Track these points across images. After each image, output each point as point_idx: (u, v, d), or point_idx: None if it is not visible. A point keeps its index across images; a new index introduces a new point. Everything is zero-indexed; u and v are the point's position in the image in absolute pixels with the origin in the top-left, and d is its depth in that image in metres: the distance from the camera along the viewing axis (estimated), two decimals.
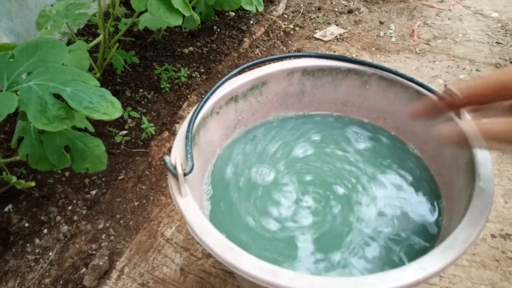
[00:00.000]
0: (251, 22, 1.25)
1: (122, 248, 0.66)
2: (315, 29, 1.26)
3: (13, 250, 0.65)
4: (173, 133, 0.86)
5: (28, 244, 0.66)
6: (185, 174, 0.35)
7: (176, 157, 0.36)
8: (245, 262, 0.30)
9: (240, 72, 0.49)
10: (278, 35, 1.21)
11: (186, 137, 0.39)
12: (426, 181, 0.46)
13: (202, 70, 1.04)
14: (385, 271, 0.29)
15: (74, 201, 0.72)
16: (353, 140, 0.52)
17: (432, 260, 0.30)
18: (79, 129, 0.62)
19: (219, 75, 1.01)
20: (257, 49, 1.14)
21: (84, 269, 0.63)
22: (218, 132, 0.49)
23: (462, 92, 0.31)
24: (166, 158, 0.35)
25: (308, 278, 0.29)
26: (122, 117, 0.87)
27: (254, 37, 1.17)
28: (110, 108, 0.51)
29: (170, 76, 0.99)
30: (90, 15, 0.77)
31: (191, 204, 0.35)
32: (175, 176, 0.35)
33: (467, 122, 0.32)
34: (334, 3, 1.41)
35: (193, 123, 0.41)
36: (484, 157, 0.38)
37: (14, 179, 0.68)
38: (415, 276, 0.29)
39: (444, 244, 0.31)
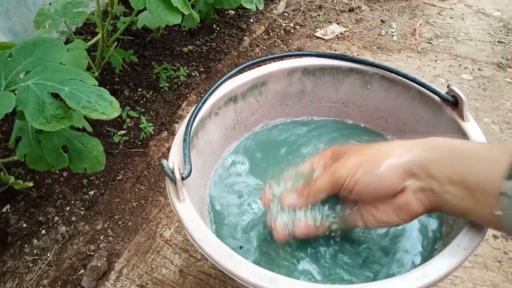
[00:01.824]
0: (251, 20, 1.24)
1: (120, 249, 0.65)
2: (316, 28, 1.25)
3: (11, 250, 0.65)
4: (172, 133, 0.85)
5: (26, 245, 0.65)
6: (183, 178, 0.35)
7: (174, 160, 0.36)
8: (244, 270, 0.29)
9: (239, 72, 0.48)
10: (279, 34, 1.21)
11: (184, 140, 0.38)
12: None
13: (202, 69, 1.03)
14: (386, 279, 0.29)
15: (72, 202, 0.72)
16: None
17: (434, 266, 0.30)
18: (77, 129, 0.61)
19: (219, 74, 1.01)
20: (257, 48, 1.13)
21: (82, 270, 0.62)
22: (217, 134, 0.49)
23: (307, 194, 0.35)
24: (164, 162, 0.35)
25: (307, 285, 0.28)
26: (120, 116, 0.87)
27: (254, 35, 1.16)
28: (108, 107, 0.51)
29: (169, 75, 0.98)
30: (88, 14, 0.77)
31: (189, 209, 0.34)
32: (173, 180, 0.35)
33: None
34: (335, 1, 1.40)
35: (191, 125, 0.40)
36: None
37: (12, 179, 0.67)
38: (416, 283, 0.29)
39: (446, 250, 0.31)
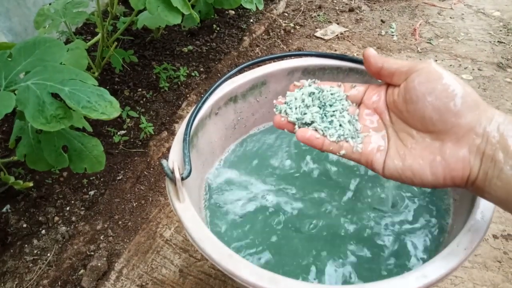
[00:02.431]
0: (251, 20, 1.24)
1: (120, 249, 0.65)
2: (316, 28, 1.25)
3: (11, 251, 0.65)
4: (172, 133, 0.85)
5: (26, 245, 0.65)
6: (182, 179, 0.34)
7: (173, 160, 0.36)
8: (244, 270, 0.29)
9: (239, 72, 0.48)
10: (279, 34, 1.20)
11: (184, 140, 0.38)
12: None
13: (202, 69, 1.03)
14: (386, 279, 0.29)
15: (72, 202, 0.72)
16: None
17: (434, 267, 0.29)
18: (77, 129, 0.61)
19: (219, 74, 1.01)
20: (257, 48, 1.13)
21: (82, 270, 0.62)
22: (217, 134, 0.49)
23: (379, 61, 0.32)
24: (164, 162, 0.34)
25: (307, 285, 0.28)
26: (120, 116, 0.87)
27: (254, 35, 1.16)
28: (108, 107, 0.51)
29: (169, 75, 0.98)
30: (88, 14, 0.77)
31: (189, 209, 0.34)
32: (173, 180, 0.35)
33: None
34: (335, 1, 1.40)
35: (191, 125, 0.40)
36: None
37: (12, 179, 0.67)
38: (416, 283, 0.28)
39: (446, 250, 0.31)
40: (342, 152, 0.32)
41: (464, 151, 0.27)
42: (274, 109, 0.35)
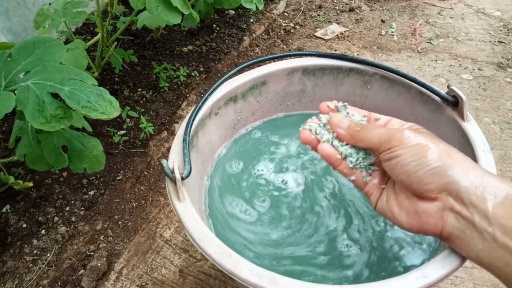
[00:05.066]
0: (251, 20, 1.24)
1: (120, 249, 0.65)
2: (316, 28, 1.25)
3: (11, 251, 0.65)
4: (172, 133, 0.85)
5: (26, 245, 0.65)
6: (182, 178, 0.34)
7: (173, 160, 0.36)
8: (244, 269, 0.29)
9: (239, 72, 0.48)
10: (279, 34, 1.20)
11: (184, 140, 0.38)
12: None
13: (202, 69, 1.03)
14: (387, 279, 0.29)
15: (72, 202, 0.72)
16: None
17: (435, 267, 0.29)
18: (77, 129, 0.61)
19: (219, 74, 1.01)
20: (257, 48, 1.13)
21: (82, 271, 0.62)
22: (217, 133, 0.49)
23: (354, 131, 0.33)
24: (164, 162, 0.34)
25: (306, 285, 0.28)
26: (120, 116, 0.87)
27: (254, 35, 1.16)
28: (108, 107, 0.51)
29: (169, 75, 0.98)
30: (88, 14, 0.77)
31: (189, 209, 0.34)
32: (173, 180, 0.35)
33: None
34: (335, 1, 1.40)
35: (191, 125, 0.40)
36: (487, 159, 0.37)
37: (11, 179, 0.67)
38: (416, 283, 0.28)
39: (447, 250, 0.30)
40: (353, 177, 0.34)
41: (436, 209, 0.28)
42: (303, 125, 0.36)
